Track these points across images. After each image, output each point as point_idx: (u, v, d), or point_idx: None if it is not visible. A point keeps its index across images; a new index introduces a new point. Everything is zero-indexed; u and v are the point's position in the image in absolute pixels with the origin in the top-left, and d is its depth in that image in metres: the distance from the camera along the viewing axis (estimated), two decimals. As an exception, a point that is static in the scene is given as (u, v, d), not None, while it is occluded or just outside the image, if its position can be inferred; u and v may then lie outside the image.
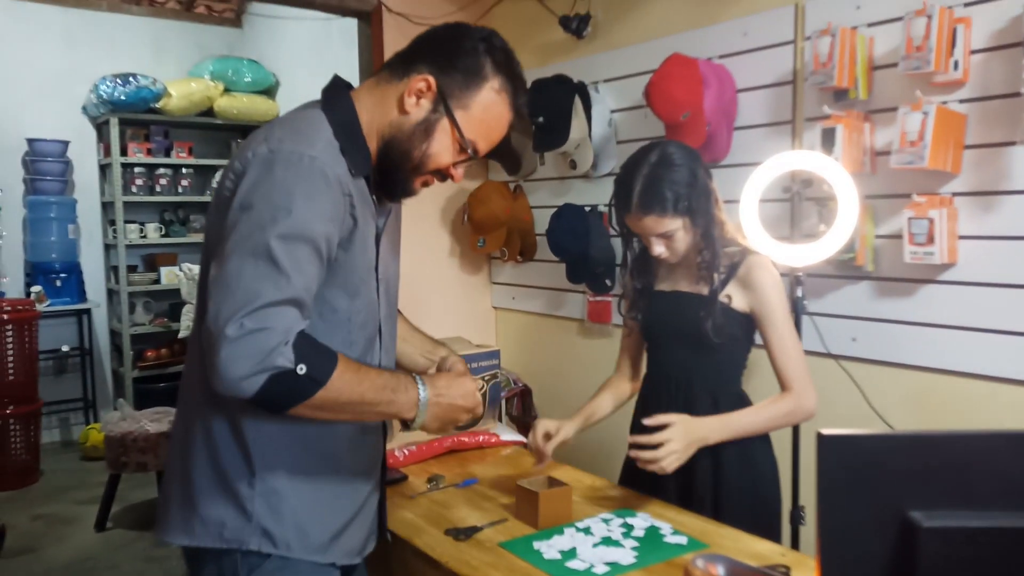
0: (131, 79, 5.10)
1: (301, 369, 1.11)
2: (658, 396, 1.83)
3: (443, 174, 1.33)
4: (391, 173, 1.30)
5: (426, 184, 1.34)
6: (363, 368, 1.22)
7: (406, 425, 1.29)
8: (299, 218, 1.14)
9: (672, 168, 1.67)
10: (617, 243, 2.86)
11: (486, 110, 1.28)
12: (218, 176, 5.53)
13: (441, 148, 1.28)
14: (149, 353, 5.35)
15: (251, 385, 1.09)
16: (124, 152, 5.24)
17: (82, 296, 5.23)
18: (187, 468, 1.28)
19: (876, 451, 0.92)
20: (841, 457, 0.91)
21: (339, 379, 1.16)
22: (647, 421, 1.62)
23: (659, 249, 1.72)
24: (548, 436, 1.80)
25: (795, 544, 2.02)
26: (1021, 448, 0.92)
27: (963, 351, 2.02)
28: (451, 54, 1.27)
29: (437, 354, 1.55)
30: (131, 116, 5.22)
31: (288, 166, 1.16)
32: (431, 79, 1.25)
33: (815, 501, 0.91)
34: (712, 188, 1.73)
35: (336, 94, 1.31)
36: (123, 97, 5.07)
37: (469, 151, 1.30)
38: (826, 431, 0.90)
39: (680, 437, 1.58)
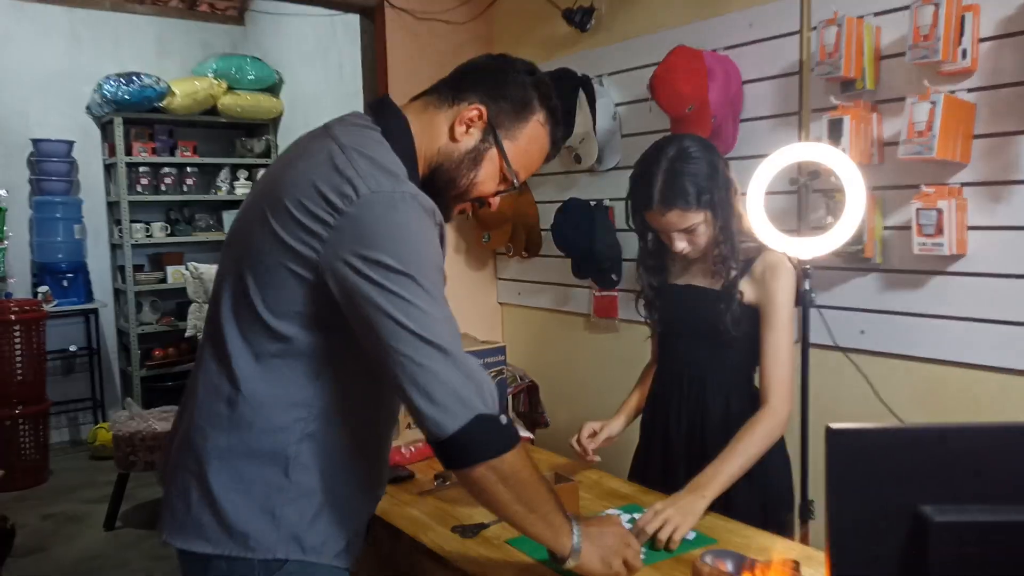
0: (135, 78, 5.10)
1: (503, 419, 1.12)
2: (669, 393, 1.82)
3: (482, 201, 1.34)
4: (435, 198, 1.26)
5: (463, 212, 1.36)
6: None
7: (558, 561, 1.26)
8: (434, 262, 1.17)
9: (691, 161, 1.65)
10: (623, 238, 2.86)
11: (531, 142, 1.31)
12: (223, 175, 5.59)
13: (487, 177, 1.30)
14: (156, 352, 5.37)
15: (453, 420, 1.10)
16: (129, 151, 5.25)
17: (89, 296, 5.24)
18: (203, 471, 1.21)
19: (886, 445, 0.91)
20: (850, 451, 0.90)
21: (523, 450, 1.17)
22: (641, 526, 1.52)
23: (681, 245, 1.70)
24: (593, 434, 1.79)
25: (804, 539, 2.01)
26: (1033, 441, 0.90)
27: (973, 343, 2.00)
28: (501, 85, 1.28)
29: None
30: (135, 115, 5.23)
31: (407, 211, 1.15)
32: (483, 109, 1.26)
33: (824, 496, 0.89)
34: (731, 179, 1.71)
35: (391, 118, 1.28)
36: (127, 96, 5.08)
37: (512, 180, 1.32)
38: (835, 425, 0.89)
39: (674, 512, 1.50)
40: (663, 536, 1.47)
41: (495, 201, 1.34)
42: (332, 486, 1.25)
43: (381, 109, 1.30)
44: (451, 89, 1.30)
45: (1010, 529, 0.87)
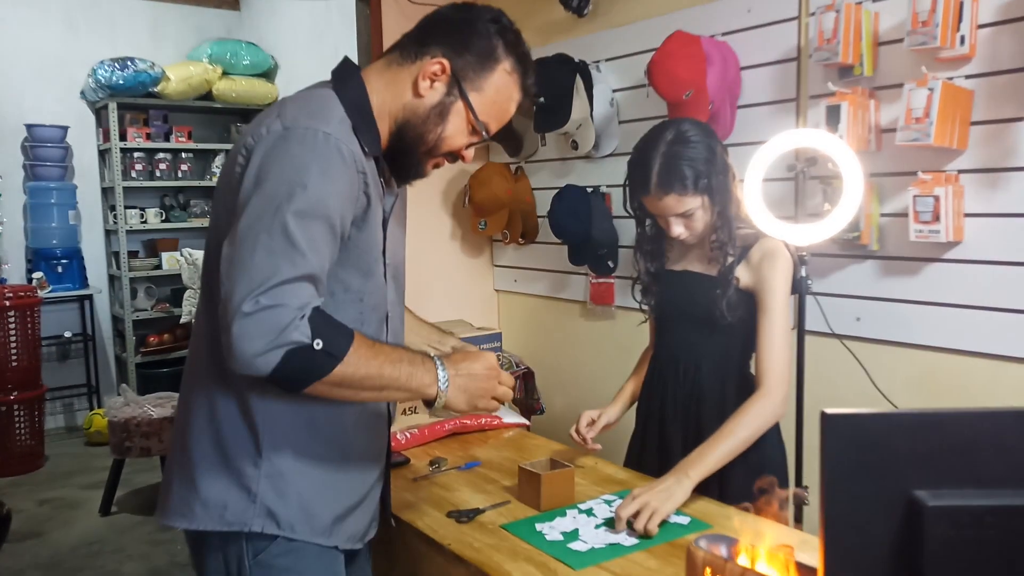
0: (129, 63, 5.07)
1: (318, 344, 1.10)
2: (665, 379, 1.82)
3: (454, 155, 1.33)
4: (404, 155, 1.30)
5: (437, 166, 1.35)
6: (378, 344, 1.21)
7: (430, 405, 1.27)
8: (315, 195, 1.13)
9: (689, 145, 1.65)
10: (619, 224, 2.86)
11: (498, 92, 1.29)
12: (219, 160, 5.57)
13: (455, 131, 1.29)
14: (151, 339, 5.36)
15: (267, 362, 1.07)
16: (123, 137, 5.22)
17: (84, 282, 5.23)
18: (187, 449, 1.27)
19: (881, 430, 0.91)
20: (845, 437, 0.90)
21: (355, 354, 1.14)
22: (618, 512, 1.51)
23: (678, 230, 1.69)
24: (591, 423, 1.80)
25: (798, 523, 2.02)
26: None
27: (969, 330, 2.01)
28: (463, 36, 1.27)
29: (446, 344, 1.54)
30: (130, 100, 5.20)
31: (303, 142, 1.15)
32: (445, 62, 1.25)
33: (819, 481, 0.89)
34: (729, 164, 1.70)
35: (347, 75, 1.30)
36: (121, 81, 5.05)
37: (482, 133, 1.30)
38: (830, 411, 0.89)
39: (647, 493, 1.50)
40: (639, 525, 1.45)
41: (468, 154, 1.34)
42: (308, 463, 1.26)
43: (339, 70, 1.31)
44: (414, 43, 1.29)
45: (1003, 512, 0.88)
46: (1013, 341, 1.93)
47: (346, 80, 1.29)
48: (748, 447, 1.70)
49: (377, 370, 1.18)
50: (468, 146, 1.32)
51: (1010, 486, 0.89)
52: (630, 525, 1.47)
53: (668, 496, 1.50)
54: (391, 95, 1.28)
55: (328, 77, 1.32)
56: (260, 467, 1.23)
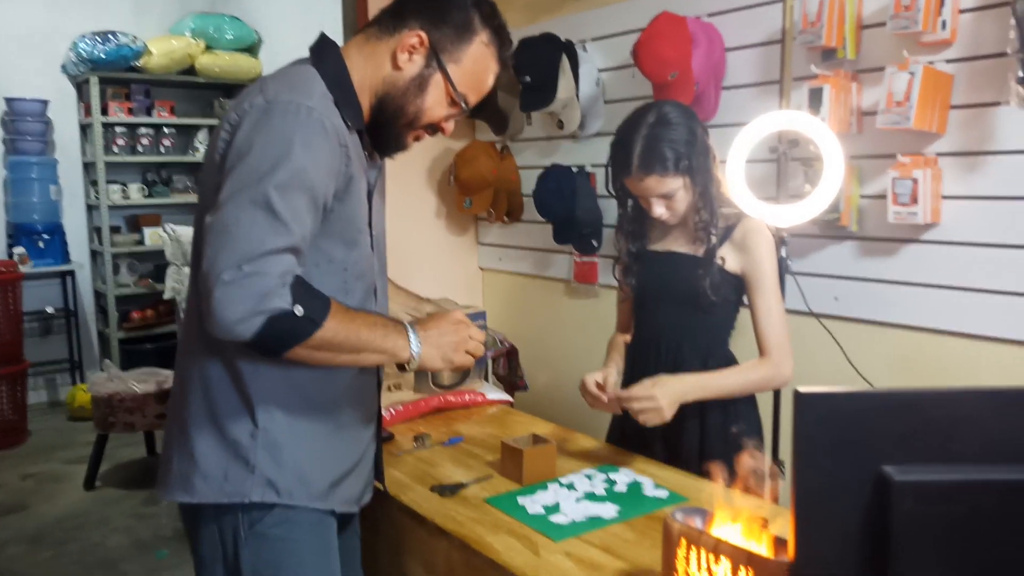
0: (111, 37, 5.00)
1: (298, 310, 1.12)
2: (646, 358, 1.84)
3: (435, 127, 1.35)
4: (385, 128, 1.32)
5: (417, 138, 1.37)
6: (352, 310, 1.24)
7: (403, 368, 1.30)
8: (297, 167, 1.15)
9: (670, 127, 1.67)
10: (604, 204, 2.87)
11: (476, 63, 1.31)
12: (202, 136, 5.52)
13: (434, 102, 1.31)
14: (134, 314, 5.34)
15: (248, 327, 1.10)
16: (105, 111, 5.16)
17: (65, 257, 5.19)
18: (184, 422, 1.29)
19: (852, 408, 0.93)
20: (818, 414, 0.92)
21: (333, 319, 1.17)
22: (631, 392, 1.63)
23: (660, 210, 1.71)
24: (600, 385, 1.72)
25: (774, 498, 2.06)
26: (992, 404, 0.94)
27: (944, 310, 2.05)
28: (441, 9, 1.29)
29: (422, 310, 1.57)
30: (111, 75, 5.13)
31: (286, 115, 1.17)
32: (423, 35, 1.27)
33: (791, 456, 0.92)
34: (710, 146, 1.72)
35: (325, 51, 1.31)
36: (103, 55, 4.98)
37: (461, 104, 1.33)
38: (803, 389, 0.91)
39: (661, 395, 1.60)
40: (641, 419, 1.59)
41: (448, 126, 1.36)
42: (302, 429, 1.29)
43: (317, 46, 1.33)
44: (392, 17, 1.31)
45: (969, 488, 0.91)
46: (988, 321, 1.97)
47: (325, 56, 1.30)
48: (729, 417, 1.75)
49: (355, 333, 1.21)
50: (448, 118, 1.35)
51: (975, 462, 0.92)
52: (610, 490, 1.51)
53: (672, 404, 1.61)
54: (370, 69, 1.30)
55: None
56: (256, 438, 1.25)
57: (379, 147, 1.36)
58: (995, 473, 0.91)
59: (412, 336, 1.28)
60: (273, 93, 1.19)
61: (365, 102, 1.30)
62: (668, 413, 1.60)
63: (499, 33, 1.33)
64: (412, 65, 1.28)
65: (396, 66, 1.28)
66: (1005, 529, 0.91)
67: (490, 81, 1.35)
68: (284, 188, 1.13)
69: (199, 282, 1.13)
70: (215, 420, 1.26)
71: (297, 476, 1.28)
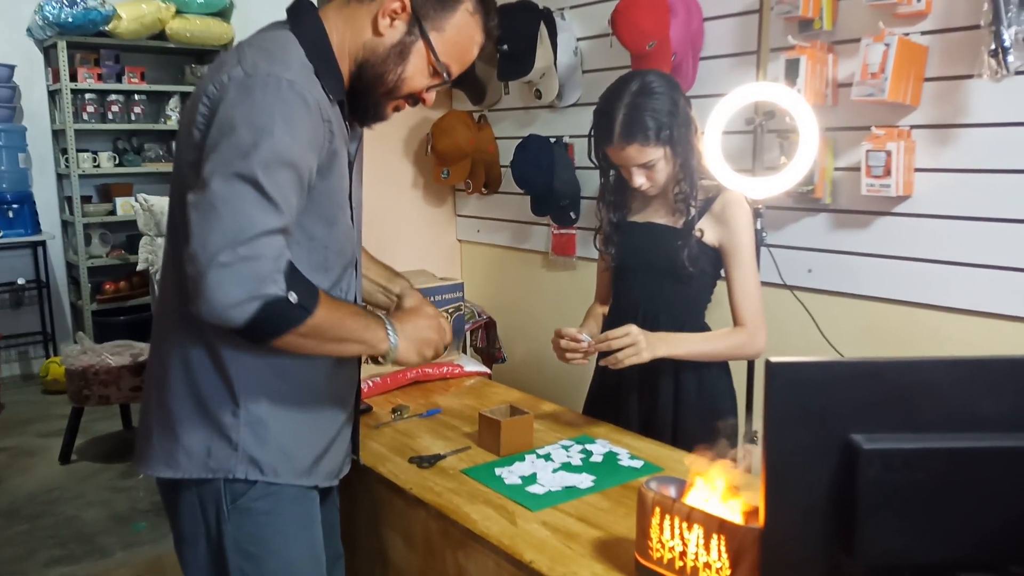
0: (78, 0, 4.86)
1: (292, 297, 1.11)
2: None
3: (415, 98, 1.32)
4: (364, 97, 1.28)
5: (397, 109, 1.33)
6: (337, 300, 1.24)
7: (377, 361, 1.31)
8: (281, 144, 1.12)
9: (653, 97, 1.66)
10: (582, 176, 2.87)
11: (460, 32, 1.27)
12: (173, 103, 5.41)
13: (415, 71, 1.27)
14: (107, 286, 5.26)
15: (242, 313, 1.08)
16: (74, 78, 5.03)
17: (36, 228, 5.09)
18: (165, 400, 1.27)
19: (821, 378, 0.95)
20: (788, 384, 0.94)
21: (323, 306, 1.16)
22: (609, 334, 1.64)
23: (640, 180, 1.72)
24: (575, 339, 1.71)
25: (748, 468, 2.10)
26: (956, 374, 0.96)
27: (915, 282, 2.08)
28: None
29: (395, 287, 1.56)
30: (80, 39, 5.00)
31: (266, 90, 1.13)
32: (406, 0, 1.23)
33: (762, 425, 0.94)
34: (692, 117, 1.73)
35: (303, 14, 1.27)
36: (70, 19, 4.84)
37: (444, 75, 1.29)
38: (775, 359, 0.93)
39: (638, 332, 1.62)
40: (620, 356, 1.60)
41: (429, 97, 1.33)
42: (284, 408, 1.28)
43: (295, 8, 1.28)
44: None
45: (932, 455, 0.93)
46: (957, 293, 2.01)
47: (303, 19, 1.25)
48: (703, 387, 1.77)
49: (340, 322, 1.21)
50: (429, 88, 1.31)
51: (939, 430, 0.95)
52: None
53: (653, 351, 1.63)
54: (350, 34, 1.25)
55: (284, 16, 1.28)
56: (239, 416, 1.24)
57: (357, 116, 1.32)
58: (954, 441, 0.93)
59: (390, 329, 1.29)
60: (251, 65, 1.15)
61: (344, 69, 1.26)
62: (646, 354, 1.61)
63: (484, 2, 1.29)
64: (393, 31, 1.24)
65: (377, 31, 1.24)
66: (962, 493, 0.93)
67: (474, 52, 1.32)
68: (270, 166, 1.10)
69: (186, 263, 1.09)
70: (197, 399, 1.25)
71: (281, 453, 1.28)
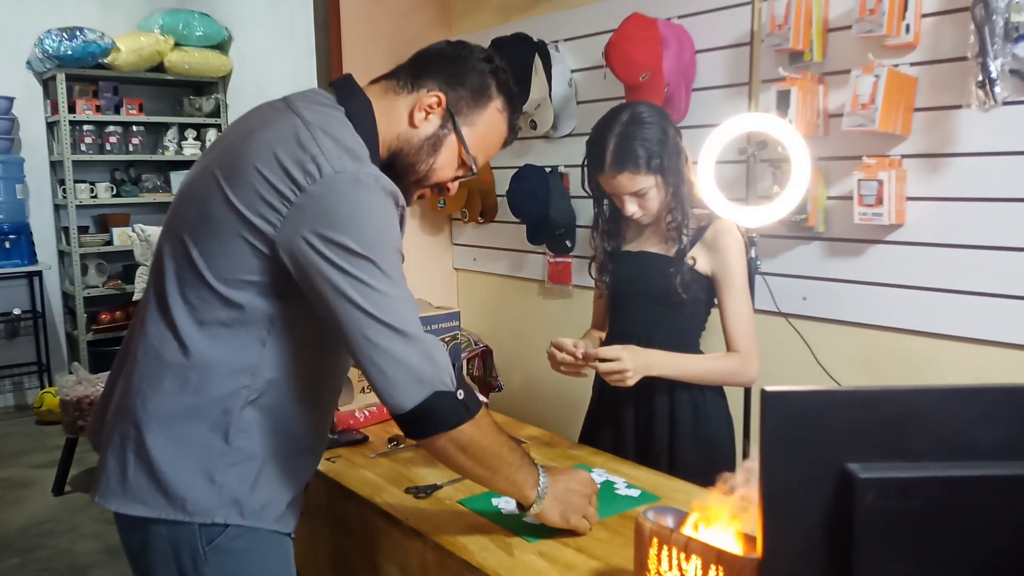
0: (78, 33, 4.92)
1: (460, 394, 1.15)
2: (618, 356, 1.86)
3: (441, 187, 1.36)
4: (394, 183, 1.29)
5: (421, 196, 1.38)
6: (496, 424, 1.28)
7: (522, 509, 1.33)
8: (392, 239, 1.19)
9: (643, 126, 1.70)
10: (577, 204, 2.89)
11: (489, 128, 1.33)
12: (170, 134, 5.45)
13: (445, 163, 1.32)
14: (103, 316, 5.26)
15: (411, 397, 1.14)
16: (72, 109, 5.07)
17: (32, 258, 5.10)
18: (141, 434, 1.20)
19: (817, 407, 0.96)
20: (784, 413, 0.94)
21: (484, 418, 1.21)
22: (600, 351, 1.67)
23: (632, 208, 1.74)
24: (570, 351, 1.73)
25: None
26: (951, 402, 0.96)
27: (909, 309, 2.09)
28: (459, 72, 1.30)
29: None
30: (79, 72, 5.05)
31: (364, 188, 1.16)
32: (442, 96, 1.28)
33: (759, 454, 0.94)
34: (682, 147, 1.75)
35: (353, 96, 1.28)
36: (69, 52, 4.90)
37: (471, 167, 1.34)
38: (770, 388, 0.93)
39: (628, 359, 1.64)
40: (605, 379, 1.65)
41: (453, 186, 1.37)
42: (274, 451, 1.24)
43: (345, 89, 1.30)
44: (410, 75, 1.31)
45: (927, 483, 0.93)
46: (951, 320, 2.02)
47: (355, 105, 1.27)
48: (699, 415, 1.78)
49: (498, 446, 1.26)
50: (455, 179, 1.36)
51: (935, 458, 0.95)
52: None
53: (642, 371, 1.65)
54: (388, 122, 1.29)
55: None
56: (227, 455, 1.20)
57: None
58: (949, 469, 0.94)
59: (542, 479, 1.31)
60: (336, 159, 1.15)
61: (380, 155, 1.29)
62: (632, 379, 1.64)
63: (512, 102, 1.35)
64: (428, 124, 1.29)
65: (412, 124, 1.28)
66: (958, 521, 0.93)
67: (499, 146, 1.37)
68: (395, 264, 1.17)
69: (363, 344, 1.15)
70: (181, 433, 1.19)
71: (264, 497, 1.23)
